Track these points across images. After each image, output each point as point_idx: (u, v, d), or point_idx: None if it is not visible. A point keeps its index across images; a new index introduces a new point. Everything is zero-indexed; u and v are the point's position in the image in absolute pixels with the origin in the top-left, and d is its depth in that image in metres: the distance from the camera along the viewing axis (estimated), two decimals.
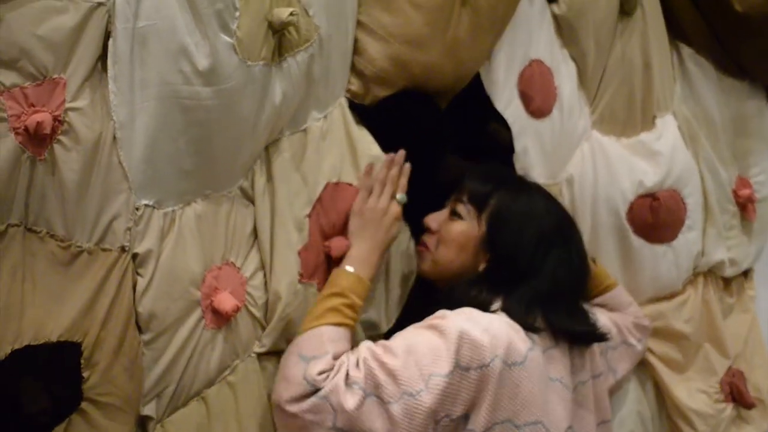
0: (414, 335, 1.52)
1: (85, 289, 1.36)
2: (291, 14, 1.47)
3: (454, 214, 1.75)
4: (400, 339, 1.52)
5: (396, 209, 1.71)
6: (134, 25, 1.37)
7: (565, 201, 2.03)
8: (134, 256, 1.42)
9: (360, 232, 1.66)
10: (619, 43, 2.11)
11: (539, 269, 1.65)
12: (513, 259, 1.66)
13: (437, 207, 1.80)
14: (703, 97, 2.24)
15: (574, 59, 2.06)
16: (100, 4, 1.34)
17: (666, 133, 2.16)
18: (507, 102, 1.93)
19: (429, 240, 1.77)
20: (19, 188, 1.29)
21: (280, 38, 1.51)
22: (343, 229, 1.67)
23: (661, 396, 2.18)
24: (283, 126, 1.59)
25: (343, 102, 1.69)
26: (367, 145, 1.70)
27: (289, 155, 1.60)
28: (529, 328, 1.57)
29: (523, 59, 1.96)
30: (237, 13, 1.43)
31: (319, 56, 1.59)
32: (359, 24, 1.67)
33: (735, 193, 2.32)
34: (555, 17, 2.02)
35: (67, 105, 1.32)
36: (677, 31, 2.21)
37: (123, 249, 1.40)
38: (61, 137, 1.32)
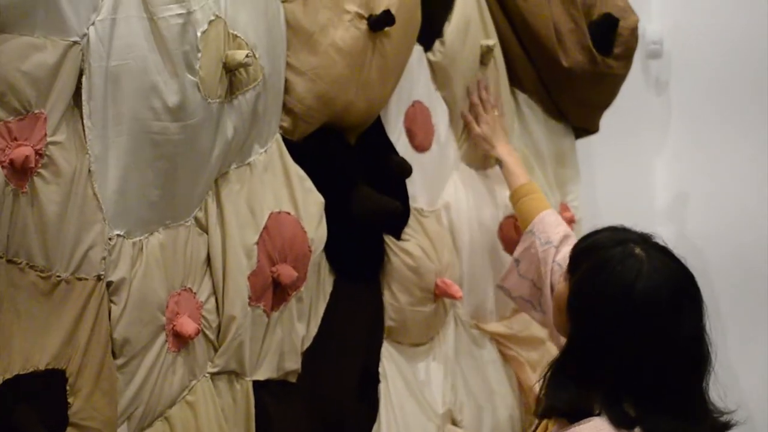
0: None
1: (66, 318, 1.26)
2: (247, 56, 1.42)
3: None
4: None
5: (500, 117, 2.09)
6: (107, 64, 1.31)
7: (444, 224, 2.07)
8: (108, 284, 1.33)
9: (495, 141, 2.06)
10: None
11: (619, 352, 1.30)
12: (584, 332, 1.36)
13: (355, 237, 1.77)
14: (534, 134, 2.36)
15: (446, 101, 2.11)
16: (75, 43, 1.27)
17: None
18: (397, 137, 1.95)
19: None
20: (2, 220, 1.18)
21: (231, 77, 1.46)
22: (288, 255, 1.61)
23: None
24: (231, 159, 1.54)
25: (279, 137, 1.64)
26: (301, 178, 1.66)
27: (237, 187, 1.55)
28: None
29: (407, 100, 1.98)
30: (199, 54, 1.38)
31: (263, 94, 1.55)
32: (288, 66, 1.63)
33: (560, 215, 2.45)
34: (430, 63, 2.06)
35: (49, 139, 1.23)
36: (514, 80, 2.32)
37: (99, 278, 1.31)
38: (41, 170, 1.23)
